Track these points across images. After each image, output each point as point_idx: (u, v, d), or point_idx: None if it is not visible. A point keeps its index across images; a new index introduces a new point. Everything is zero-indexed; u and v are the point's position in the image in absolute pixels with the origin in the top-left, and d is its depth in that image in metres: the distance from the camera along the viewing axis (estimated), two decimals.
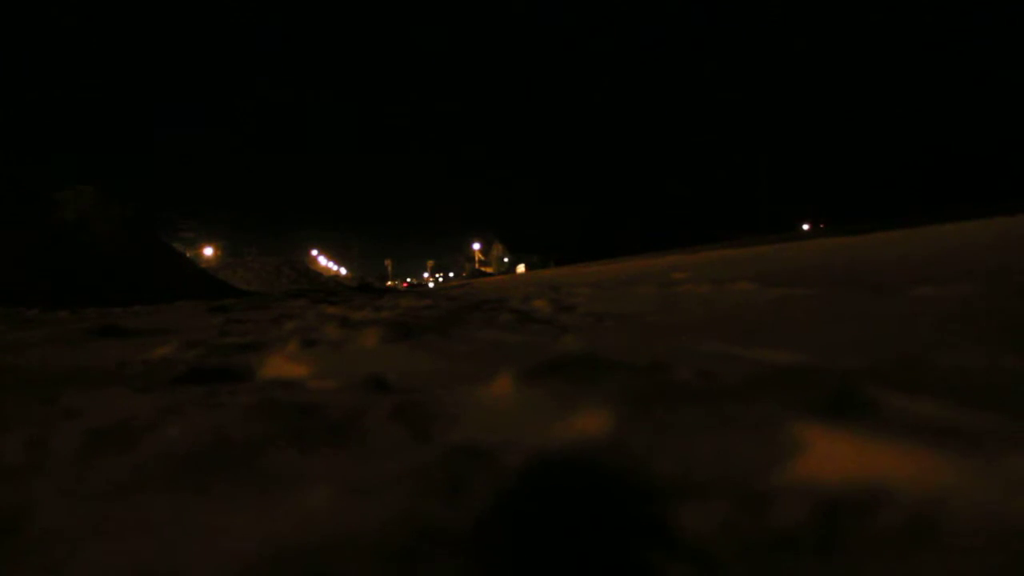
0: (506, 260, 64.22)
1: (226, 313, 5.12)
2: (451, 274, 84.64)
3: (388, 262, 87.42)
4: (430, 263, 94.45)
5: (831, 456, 0.62)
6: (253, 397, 1.10)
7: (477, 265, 70.06)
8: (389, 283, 65.34)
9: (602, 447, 0.71)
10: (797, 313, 2.28)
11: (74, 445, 0.81)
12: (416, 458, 0.72)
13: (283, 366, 1.62)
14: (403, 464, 0.70)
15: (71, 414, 1.00)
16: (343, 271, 69.62)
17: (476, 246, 73.53)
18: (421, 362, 1.58)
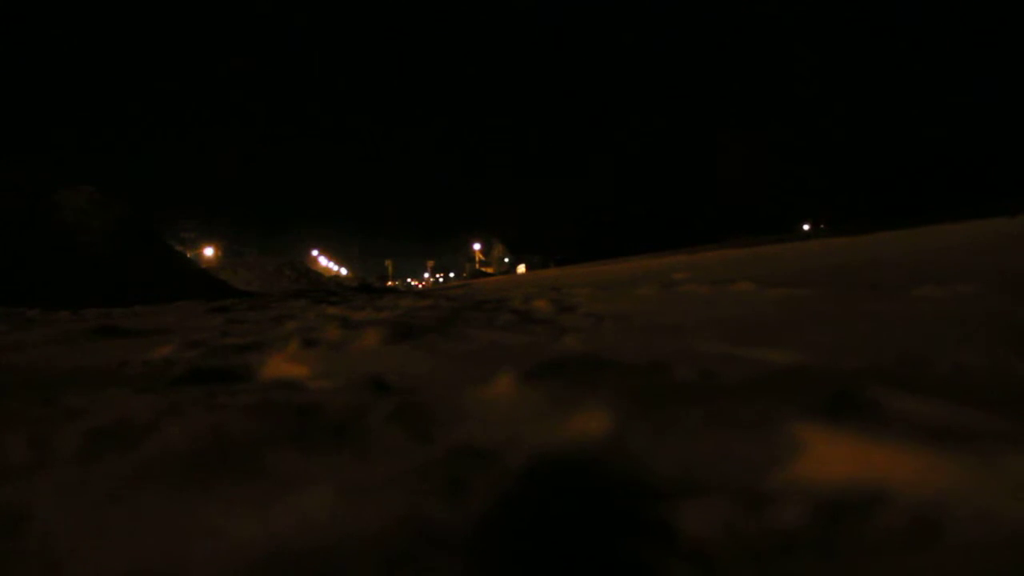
0: (507, 260, 64.25)
1: (226, 313, 5.11)
2: (452, 274, 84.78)
3: (388, 262, 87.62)
4: (430, 263, 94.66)
5: (831, 456, 0.62)
6: (253, 397, 1.10)
7: (478, 265, 70.14)
8: (389, 283, 65.44)
9: (602, 447, 0.71)
10: (797, 313, 2.27)
11: (74, 445, 0.81)
12: (416, 458, 0.72)
13: (284, 366, 1.62)
14: (403, 464, 0.70)
15: (71, 414, 1.00)
16: (343, 271, 69.62)
17: (477, 246, 73.63)
18: (421, 362, 1.58)
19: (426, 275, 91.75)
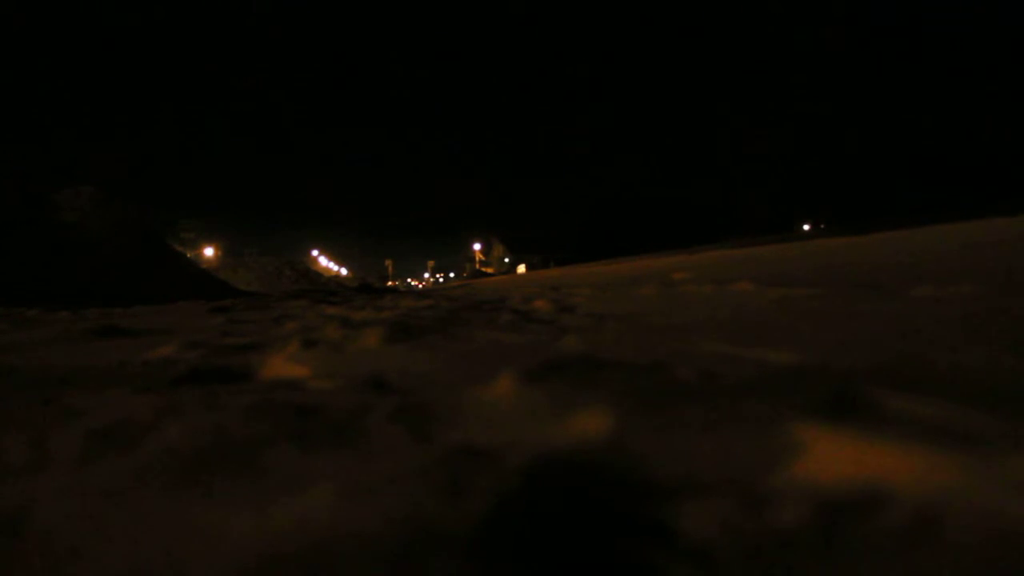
0: (507, 260, 64.23)
1: (227, 313, 5.11)
2: (451, 274, 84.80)
3: (388, 262, 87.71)
4: (430, 263, 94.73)
5: (831, 456, 0.63)
6: (253, 397, 1.10)
7: (478, 265, 70.13)
8: (390, 283, 65.53)
9: (603, 447, 0.71)
10: (797, 313, 2.28)
11: (74, 445, 0.81)
12: (416, 458, 0.72)
13: (284, 366, 1.62)
14: (403, 464, 0.70)
15: (71, 414, 1.00)
16: (343, 271, 69.69)
17: (476, 246, 73.58)
18: (421, 362, 1.58)
19: (426, 275, 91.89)
